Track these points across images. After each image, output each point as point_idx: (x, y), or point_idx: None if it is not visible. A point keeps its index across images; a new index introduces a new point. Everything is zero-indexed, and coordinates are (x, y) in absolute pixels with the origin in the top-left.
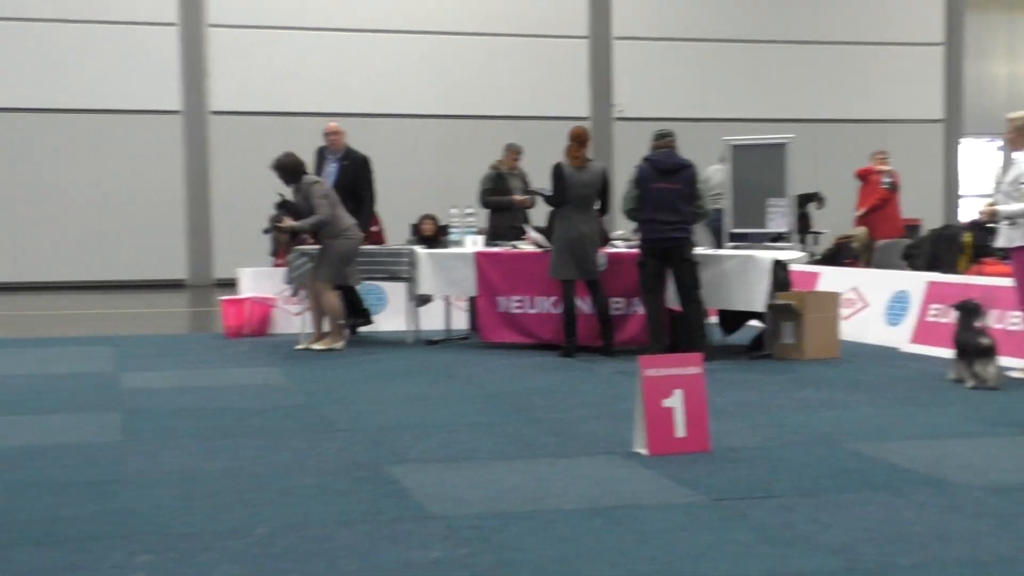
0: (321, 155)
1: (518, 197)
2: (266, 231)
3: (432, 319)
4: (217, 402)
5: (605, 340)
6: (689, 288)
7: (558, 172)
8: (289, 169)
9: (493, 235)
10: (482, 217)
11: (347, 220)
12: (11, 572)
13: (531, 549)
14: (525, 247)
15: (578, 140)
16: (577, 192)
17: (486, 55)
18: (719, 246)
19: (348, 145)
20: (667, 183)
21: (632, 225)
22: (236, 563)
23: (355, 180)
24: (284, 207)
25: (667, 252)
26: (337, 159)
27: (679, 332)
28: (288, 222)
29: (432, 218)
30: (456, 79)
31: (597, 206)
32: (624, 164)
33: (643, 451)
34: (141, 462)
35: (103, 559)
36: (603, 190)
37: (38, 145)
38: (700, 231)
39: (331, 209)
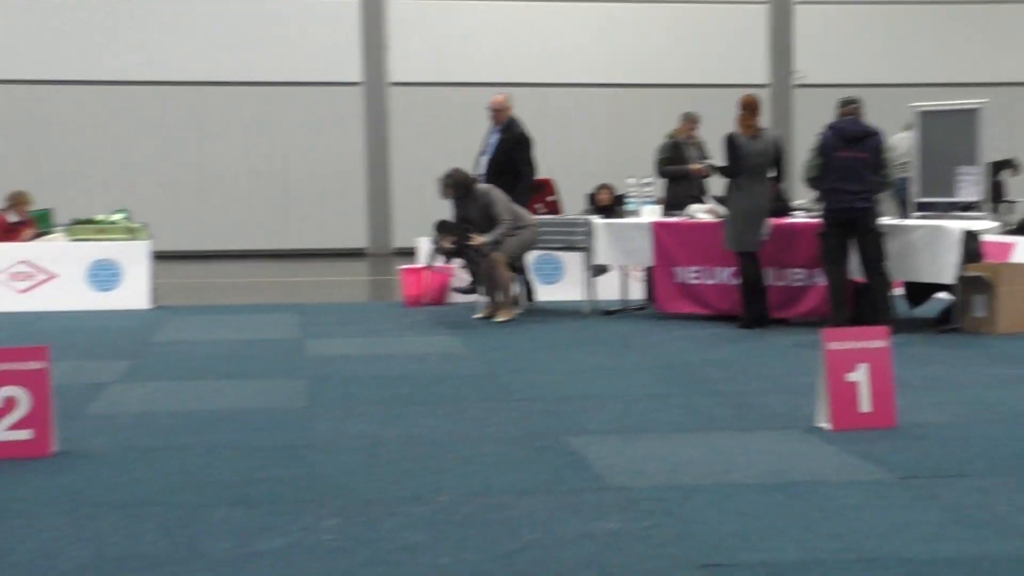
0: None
1: (694, 166)
2: (439, 251)
3: (608, 289)
4: (398, 370)
5: (762, 311)
6: (874, 259)
7: (731, 142)
8: (462, 184)
9: (670, 205)
10: (659, 187)
11: (527, 216)
12: (209, 532)
13: (711, 522)
14: (702, 217)
15: (750, 108)
16: (751, 162)
17: (663, 23)
18: (905, 216)
19: (513, 118)
20: (852, 151)
21: (813, 194)
22: (420, 529)
23: (511, 155)
24: (444, 228)
25: (851, 222)
26: (498, 132)
27: (862, 304)
28: (477, 238)
29: (608, 188)
30: (633, 47)
31: (771, 175)
32: (805, 132)
33: (826, 426)
34: (327, 427)
35: (293, 522)
36: (777, 159)
37: (225, 118)
38: (886, 200)
39: (511, 214)
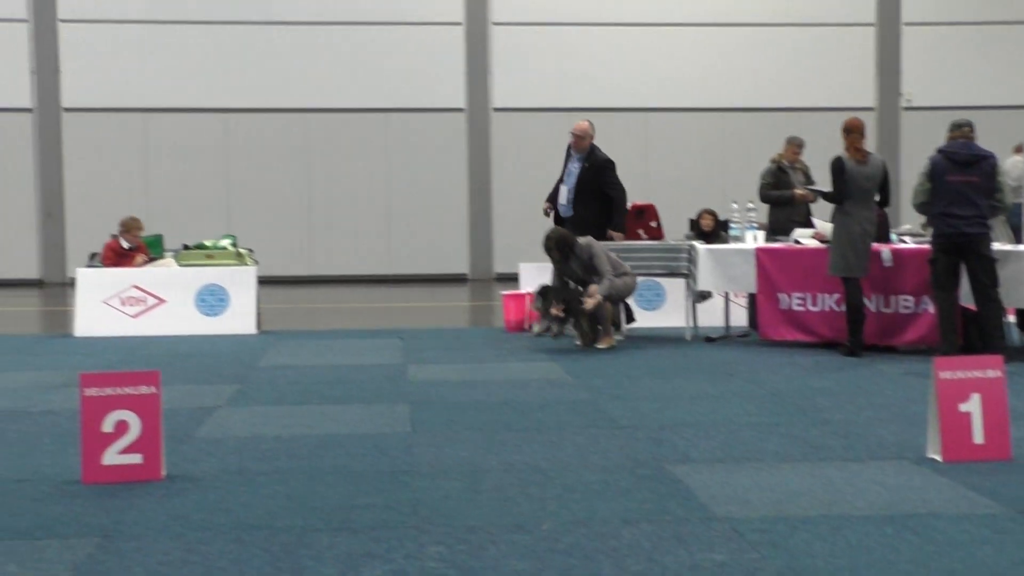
0: (567, 151)
1: (799, 191)
2: (547, 318)
3: (711, 315)
4: (499, 396)
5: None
6: (986, 286)
7: (839, 166)
8: (564, 243)
9: (774, 230)
10: (762, 212)
11: (625, 265)
12: (313, 557)
13: (820, 556)
14: (807, 242)
15: (857, 132)
16: (859, 186)
17: (767, 46)
18: (1018, 241)
19: (594, 145)
20: (964, 175)
21: (921, 219)
22: (523, 558)
23: (596, 182)
24: (550, 294)
25: (962, 247)
26: (579, 160)
27: (973, 332)
28: (590, 302)
29: (711, 213)
30: (737, 71)
31: (876, 199)
32: (912, 156)
33: (937, 457)
34: (429, 453)
35: (397, 548)
36: (883, 183)
37: (330, 144)
38: (998, 226)
39: (612, 265)
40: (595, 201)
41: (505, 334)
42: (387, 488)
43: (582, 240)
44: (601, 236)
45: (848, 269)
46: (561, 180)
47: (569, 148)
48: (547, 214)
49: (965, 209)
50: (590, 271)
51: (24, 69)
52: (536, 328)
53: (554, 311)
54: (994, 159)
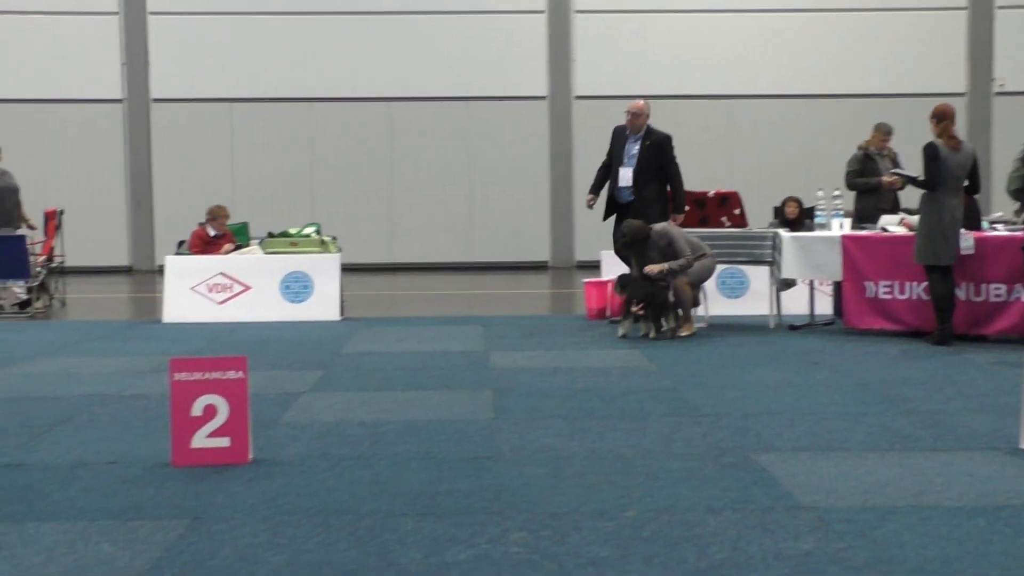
0: (619, 134)
1: (886, 178)
2: (629, 315)
3: (795, 304)
4: (581, 383)
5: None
6: None
7: (934, 152)
8: (640, 235)
9: (860, 217)
10: (848, 199)
11: (704, 246)
12: (398, 541)
13: (910, 546)
14: (895, 230)
15: (951, 119)
16: (951, 173)
17: (854, 30)
18: None
19: (649, 125)
20: None
21: (1014, 206)
22: (606, 545)
23: (659, 159)
24: (627, 286)
25: None
26: (637, 139)
27: None
28: (657, 266)
29: (796, 201)
30: (823, 56)
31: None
32: (1004, 141)
33: None
34: (512, 440)
35: (480, 534)
36: (973, 171)
37: (413, 132)
38: None
39: (692, 247)
40: (656, 181)
41: (586, 322)
42: (471, 474)
43: (657, 227)
44: (664, 218)
45: (937, 257)
46: (609, 166)
47: (617, 132)
48: (590, 206)
49: None
50: (669, 258)
51: (115, 61)
52: (620, 331)
53: (635, 310)
54: None
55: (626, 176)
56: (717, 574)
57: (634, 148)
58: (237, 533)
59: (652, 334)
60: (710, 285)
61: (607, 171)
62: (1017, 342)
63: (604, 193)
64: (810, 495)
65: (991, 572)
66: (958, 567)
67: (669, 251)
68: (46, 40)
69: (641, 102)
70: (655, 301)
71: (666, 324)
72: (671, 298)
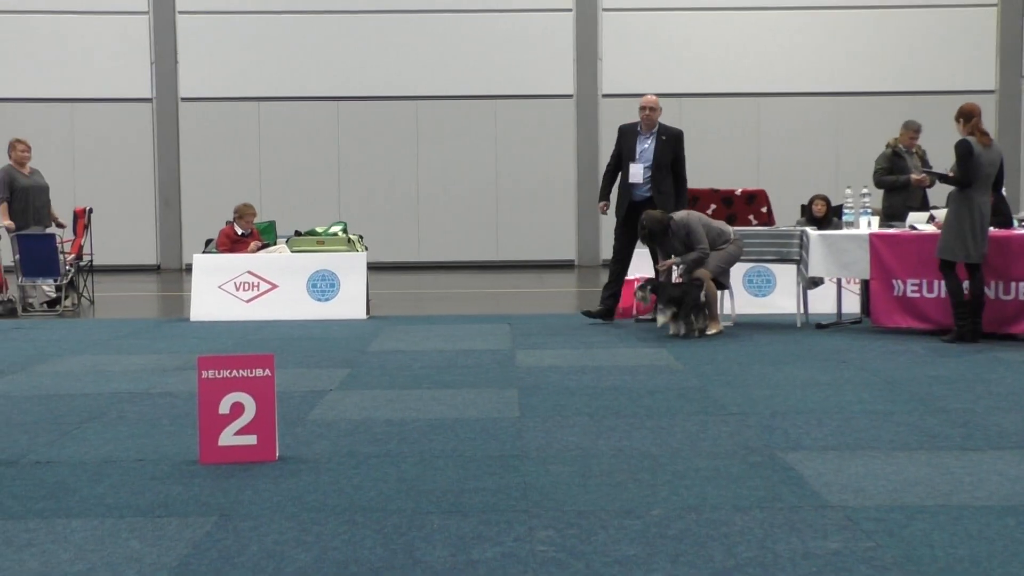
0: (627, 132)
1: (915, 176)
2: (642, 299)
3: (822, 302)
4: (608, 382)
5: (975, 325)
6: None
7: (968, 150)
8: (660, 225)
9: (888, 215)
10: (876, 197)
11: (729, 230)
12: (425, 539)
13: (939, 546)
14: (923, 228)
15: (979, 115)
16: (984, 171)
17: (883, 28)
18: None
19: (660, 121)
20: None
21: None
22: (633, 543)
23: (675, 154)
24: (653, 288)
25: None
26: (652, 135)
27: None
28: (665, 262)
29: (824, 199)
30: (851, 54)
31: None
32: None
33: None
34: (538, 438)
35: (507, 532)
36: (1000, 169)
37: (438, 130)
38: None
39: (714, 233)
40: (670, 176)
41: (613, 320)
42: (497, 472)
43: (677, 216)
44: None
45: (966, 255)
46: (616, 168)
47: (626, 130)
48: (605, 212)
49: None
50: (689, 248)
51: (144, 60)
52: (660, 321)
53: (668, 320)
54: None
55: (640, 173)
56: (744, 573)
57: (647, 144)
58: (264, 530)
59: (682, 331)
60: (737, 283)
61: (614, 174)
62: None
63: (615, 194)
64: (838, 494)
65: (1021, 572)
66: (987, 567)
67: (688, 241)
68: (75, 40)
69: (654, 96)
70: (687, 300)
71: (696, 323)
72: (703, 298)
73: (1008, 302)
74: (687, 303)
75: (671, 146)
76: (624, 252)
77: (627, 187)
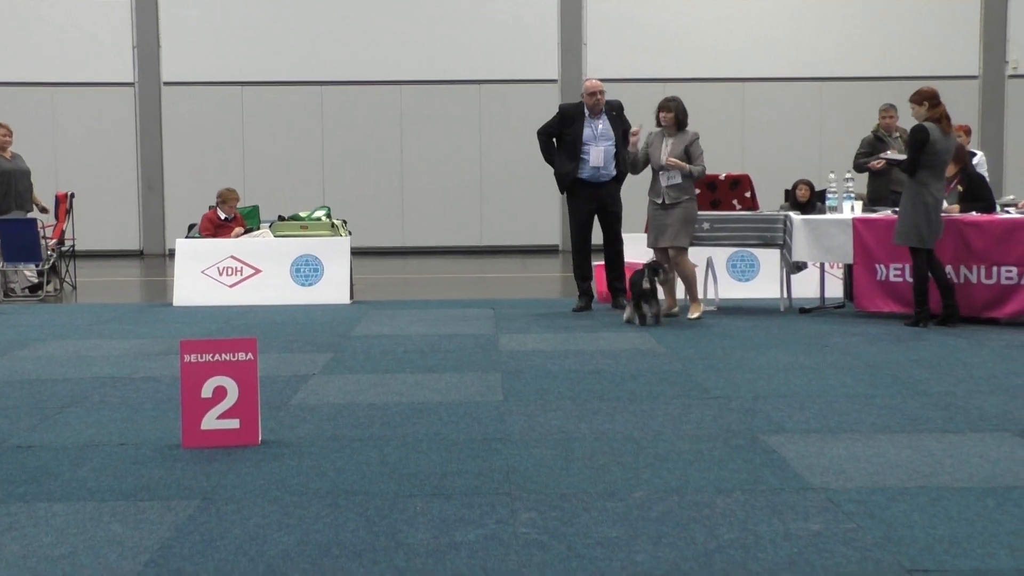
0: (574, 116)
1: (873, 162)
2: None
3: (806, 286)
4: (591, 366)
5: (952, 308)
6: None
7: (924, 138)
8: (683, 113)
9: (872, 200)
10: (860, 182)
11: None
12: (407, 522)
13: (919, 527)
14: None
15: (936, 100)
16: (940, 158)
17: (868, 12)
18: None
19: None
20: None
21: None
22: (615, 525)
23: (624, 124)
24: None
25: None
26: (602, 117)
27: None
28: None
29: (807, 183)
30: (835, 39)
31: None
32: (1017, 124)
33: None
34: (521, 422)
35: (489, 514)
36: (959, 153)
37: (423, 115)
38: None
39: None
40: (617, 153)
41: (597, 305)
42: (480, 455)
43: (692, 132)
44: None
45: (920, 240)
46: (569, 151)
47: (570, 113)
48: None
49: None
50: (689, 157)
51: (126, 45)
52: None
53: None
54: None
55: (602, 155)
56: (726, 554)
57: (601, 124)
58: (247, 514)
59: (636, 320)
60: (720, 268)
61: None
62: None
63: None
64: (819, 476)
65: (999, 552)
66: (967, 547)
67: (691, 151)
68: (57, 24)
69: (598, 81)
70: (635, 289)
71: (649, 309)
72: (649, 284)
73: (990, 286)
74: (635, 291)
75: (620, 119)
76: (587, 234)
77: (586, 170)
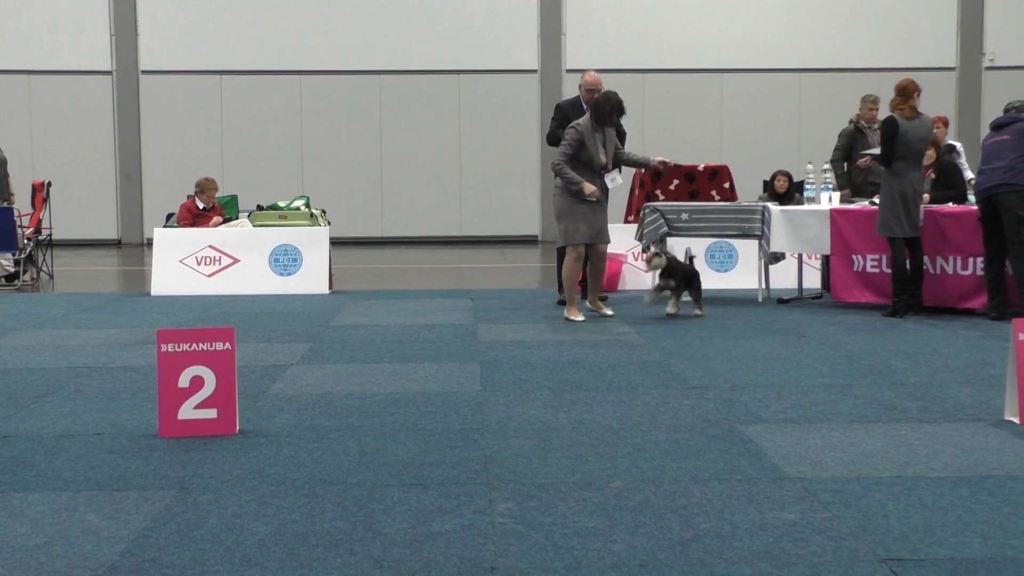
0: (567, 111)
1: (860, 161)
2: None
3: (784, 277)
4: (570, 356)
5: (915, 298)
6: (1012, 242)
7: (892, 129)
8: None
9: (855, 192)
10: (839, 173)
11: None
12: (385, 512)
13: (894, 516)
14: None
15: (906, 92)
16: (912, 147)
17: (845, 5)
18: None
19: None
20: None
21: None
22: (593, 515)
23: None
24: (661, 254)
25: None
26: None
27: None
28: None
29: (786, 174)
30: (814, 31)
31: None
32: (994, 115)
33: (1015, 419)
34: (499, 412)
35: (467, 504)
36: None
37: (402, 105)
38: None
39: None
40: None
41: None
42: (458, 445)
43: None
44: None
45: (899, 229)
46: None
47: (568, 106)
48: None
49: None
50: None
51: (104, 33)
52: (647, 300)
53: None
54: None
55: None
56: (702, 544)
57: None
58: (224, 503)
59: (674, 311)
60: (699, 259)
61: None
62: (1012, 316)
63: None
64: (796, 466)
65: (973, 541)
66: (941, 536)
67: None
68: (34, 11)
69: (596, 75)
70: (694, 281)
71: (668, 284)
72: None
73: (966, 277)
74: (695, 282)
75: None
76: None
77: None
